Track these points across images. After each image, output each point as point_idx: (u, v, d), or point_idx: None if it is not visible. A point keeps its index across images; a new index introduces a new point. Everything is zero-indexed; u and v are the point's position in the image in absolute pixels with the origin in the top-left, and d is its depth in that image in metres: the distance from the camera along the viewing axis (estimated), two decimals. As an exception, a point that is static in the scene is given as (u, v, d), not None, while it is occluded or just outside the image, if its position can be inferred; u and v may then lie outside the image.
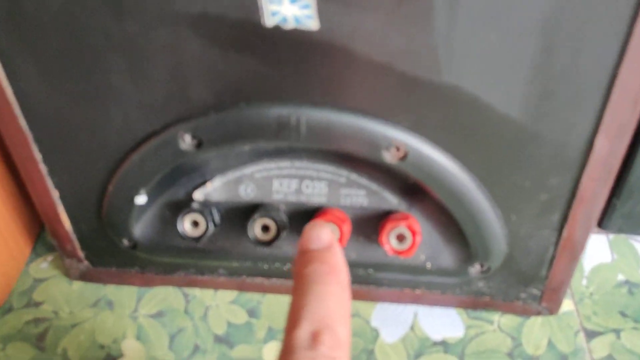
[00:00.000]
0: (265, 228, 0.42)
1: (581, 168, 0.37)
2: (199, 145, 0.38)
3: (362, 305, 0.49)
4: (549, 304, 0.47)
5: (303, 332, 0.27)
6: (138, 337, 0.47)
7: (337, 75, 0.35)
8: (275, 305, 0.49)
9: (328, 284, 0.29)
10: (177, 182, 0.43)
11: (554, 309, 0.48)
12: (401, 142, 0.37)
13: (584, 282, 0.52)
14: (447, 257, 0.44)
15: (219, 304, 0.49)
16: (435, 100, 0.35)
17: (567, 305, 0.49)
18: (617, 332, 0.48)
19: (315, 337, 0.27)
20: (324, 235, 0.31)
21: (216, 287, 0.50)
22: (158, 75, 0.36)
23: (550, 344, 0.46)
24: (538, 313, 0.48)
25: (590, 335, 0.47)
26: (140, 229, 0.45)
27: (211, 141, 0.38)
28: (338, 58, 0.34)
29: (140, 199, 0.42)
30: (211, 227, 0.42)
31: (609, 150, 0.36)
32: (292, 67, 0.34)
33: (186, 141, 0.38)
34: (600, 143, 0.36)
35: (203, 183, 0.43)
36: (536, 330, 0.48)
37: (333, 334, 0.27)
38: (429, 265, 0.44)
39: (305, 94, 0.36)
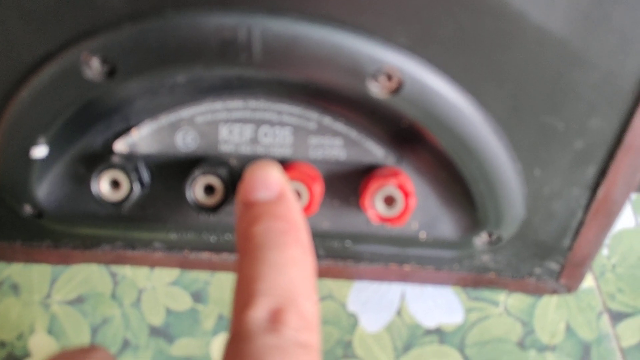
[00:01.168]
0: (210, 189, 0.32)
1: (634, 104, 0.28)
2: (112, 72, 0.27)
3: (335, 285, 0.39)
4: (569, 280, 0.38)
5: (260, 312, 0.22)
6: (50, 331, 0.37)
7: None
8: (226, 287, 0.39)
9: (286, 247, 0.24)
10: (90, 128, 0.32)
11: (573, 287, 0.38)
12: (394, 66, 0.27)
13: (605, 251, 0.43)
14: (447, 224, 0.34)
15: (155, 287, 0.39)
16: (446, 5, 0.25)
17: (586, 280, 0.40)
18: (647, 312, 0.39)
19: (276, 317, 0.22)
20: (272, 178, 0.26)
21: (152, 264, 0.39)
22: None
23: (569, 330, 0.38)
24: (554, 292, 0.39)
25: (616, 317, 0.39)
26: (45, 191, 0.34)
27: (128, 66, 0.27)
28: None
29: (39, 151, 0.31)
30: (137, 189, 0.32)
31: (675, 78, 0.26)
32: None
33: (93, 67, 0.28)
34: (666, 67, 0.26)
35: (127, 130, 0.32)
36: (551, 313, 0.39)
37: (298, 311, 0.22)
38: (423, 235, 0.34)
39: (259, -3, 0.25)
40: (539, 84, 0.27)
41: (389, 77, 0.27)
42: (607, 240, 0.44)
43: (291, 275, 0.23)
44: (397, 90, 0.27)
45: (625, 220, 0.45)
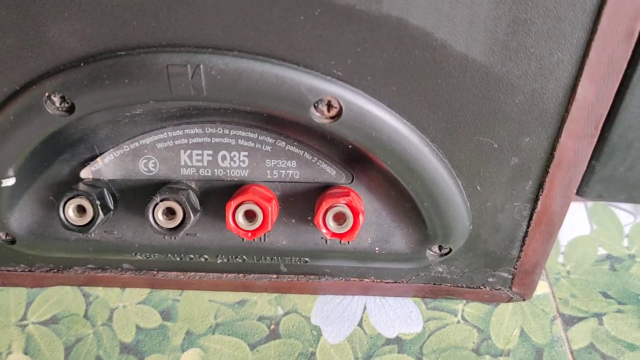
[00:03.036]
0: (171, 211, 0.33)
1: (560, 122, 0.30)
2: (71, 108, 0.29)
3: (299, 300, 0.41)
4: (522, 288, 0.40)
5: None
6: (26, 351, 0.38)
7: (244, 9, 0.26)
8: (195, 304, 0.41)
9: None
10: (56, 158, 0.34)
11: (527, 295, 0.40)
12: (333, 95, 0.28)
13: (560, 258, 0.45)
14: (399, 239, 0.36)
15: (126, 305, 0.40)
16: (375, 40, 0.27)
17: (541, 287, 0.42)
18: (598, 316, 0.41)
19: None
20: None
21: (122, 285, 0.41)
22: (4, 13, 0.27)
23: (523, 335, 0.39)
24: (509, 300, 0.41)
25: (569, 322, 0.40)
26: (17, 218, 0.36)
27: (85, 103, 0.29)
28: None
29: (8, 181, 0.33)
30: (101, 214, 0.33)
31: (594, 97, 0.29)
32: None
33: (55, 103, 0.29)
34: (584, 88, 0.28)
35: (92, 158, 0.34)
36: (506, 320, 0.40)
37: None
38: (376, 249, 0.36)
39: (204, 35, 0.27)
40: (469, 107, 0.29)
41: (329, 105, 0.29)
42: (563, 248, 0.46)
43: None
44: (337, 116, 0.29)
45: (580, 226, 0.47)
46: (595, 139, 0.31)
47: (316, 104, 0.29)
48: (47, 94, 0.29)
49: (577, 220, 0.47)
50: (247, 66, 0.28)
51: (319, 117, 0.29)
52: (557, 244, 0.45)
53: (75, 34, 0.27)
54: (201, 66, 0.28)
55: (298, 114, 0.29)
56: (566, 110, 0.29)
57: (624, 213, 0.48)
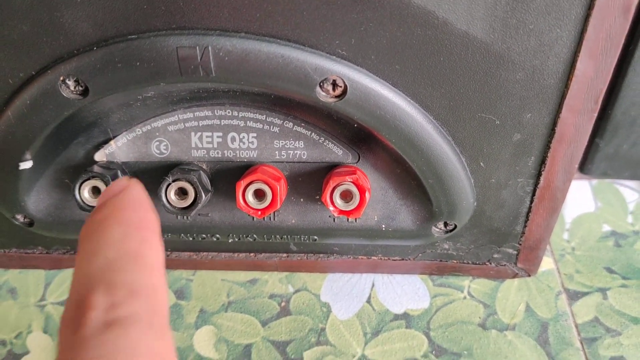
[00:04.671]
0: (183, 192, 0.34)
1: (560, 98, 0.31)
2: (85, 91, 0.30)
3: (309, 278, 0.42)
4: (527, 264, 0.40)
5: (69, 307, 0.20)
6: (46, 330, 0.39)
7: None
8: (208, 284, 0.42)
9: (102, 231, 0.21)
10: (71, 141, 0.35)
11: (532, 270, 0.41)
12: (338, 74, 0.29)
13: (565, 235, 0.45)
14: (405, 216, 0.37)
15: (141, 285, 0.41)
16: (378, 19, 0.28)
17: (546, 263, 0.43)
18: (603, 291, 0.42)
19: (81, 307, 0.19)
20: (115, 185, 0.24)
21: (137, 265, 0.42)
22: (19, 1, 0.28)
23: (529, 310, 0.40)
24: (514, 275, 0.41)
25: (573, 296, 0.41)
26: (34, 201, 0.37)
27: (99, 86, 0.30)
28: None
29: (26, 164, 0.34)
30: (116, 195, 0.34)
31: (593, 72, 0.29)
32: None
33: (69, 87, 0.30)
34: (583, 63, 0.29)
35: (106, 141, 0.35)
36: (512, 296, 0.41)
37: (110, 287, 0.19)
38: (383, 226, 0.37)
39: (211, 17, 0.28)
40: (471, 84, 0.30)
41: (334, 84, 0.30)
42: (568, 225, 0.46)
43: (102, 257, 0.21)
44: (342, 94, 0.30)
45: (585, 204, 0.48)
46: (596, 114, 0.31)
47: (321, 83, 0.30)
48: (61, 78, 0.30)
49: (582, 198, 0.48)
50: (254, 47, 0.29)
51: (324, 96, 0.30)
52: (562, 221, 0.46)
53: (87, 19, 0.28)
54: (209, 48, 0.29)
55: (304, 93, 0.30)
56: (566, 85, 0.30)
57: (628, 190, 0.49)
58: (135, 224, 0.22)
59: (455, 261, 0.41)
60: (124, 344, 0.18)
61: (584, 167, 0.44)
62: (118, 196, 0.23)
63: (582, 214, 0.47)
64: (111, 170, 0.35)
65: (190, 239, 0.38)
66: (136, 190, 0.23)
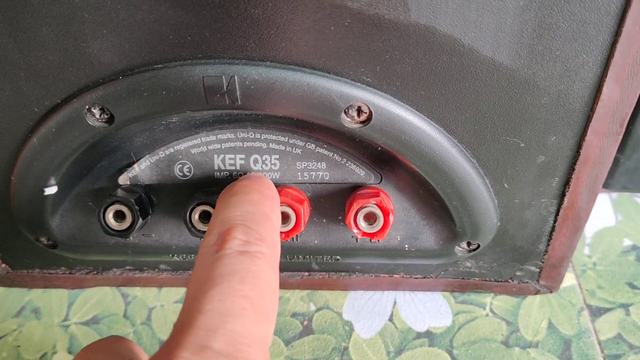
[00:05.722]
0: (206, 214, 0.35)
1: (586, 121, 0.31)
2: (111, 119, 0.30)
3: (331, 296, 0.42)
4: (549, 281, 0.40)
5: (212, 237, 0.26)
6: (70, 350, 0.40)
7: (276, 21, 0.27)
8: (230, 303, 0.42)
9: (245, 193, 0.29)
10: (95, 165, 0.35)
11: (554, 287, 0.41)
12: (363, 101, 0.29)
13: (586, 250, 0.45)
14: (428, 237, 0.37)
15: (164, 304, 0.42)
16: (403, 47, 0.28)
17: (568, 279, 0.43)
18: (625, 307, 0.41)
19: (223, 236, 0.26)
20: (253, 173, 0.35)
21: (159, 285, 0.42)
22: (46, 31, 0.28)
23: (551, 327, 0.40)
24: (536, 292, 0.41)
25: (596, 313, 0.41)
26: (58, 224, 0.37)
27: (124, 114, 0.30)
28: (273, -4, 0.26)
29: (50, 189, 0.34)
30: (140, 219, 0.34)
31: (619, 97, 0.29)
32: (219, 12, 0.27)
33: (95, 115, 0.30)
34: (609, 88, 0.29)
35: (129, 165, 0.35)
36: (534, 312, 0.41)
37: (248, 229, 0.26)
38: (406, 246, 0.37)
39: (237, 47, 0.28)
40: (496, 109, 0.30)
41: (359, 110, 0.30)
42: (588, 240, 0.46)
43: (245, 208, 0.28)
44: (367, 120, 0.30)
45: (605, 218, 0.48)
46: (620, 137, 0.31)
47: (347, 110, 0.30)
48: (87, 107, 0.30)
49: (602, 212, 0.48)
50: (280, 76, 0.29)
51: (349, 122, 0.30)
52: (582, 235, 0.46)
53: (113, 49, 0.28)
54: (235, 77, 0.29)
55: (329, 119, 0.30)
56: (591, 109, 0.30)
57: (649, 203, 0.48)
58: (269, 196, 0.30)
59: (477, 279, 0.41)
60: (252, 268, 0.25)
61: (605, 181, 0.43)
62: (257, 176, 0.33)
63: (603, 227, 0.47)
64: (135, 194, 0.35)
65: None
66: (267, 178, 0.33)
